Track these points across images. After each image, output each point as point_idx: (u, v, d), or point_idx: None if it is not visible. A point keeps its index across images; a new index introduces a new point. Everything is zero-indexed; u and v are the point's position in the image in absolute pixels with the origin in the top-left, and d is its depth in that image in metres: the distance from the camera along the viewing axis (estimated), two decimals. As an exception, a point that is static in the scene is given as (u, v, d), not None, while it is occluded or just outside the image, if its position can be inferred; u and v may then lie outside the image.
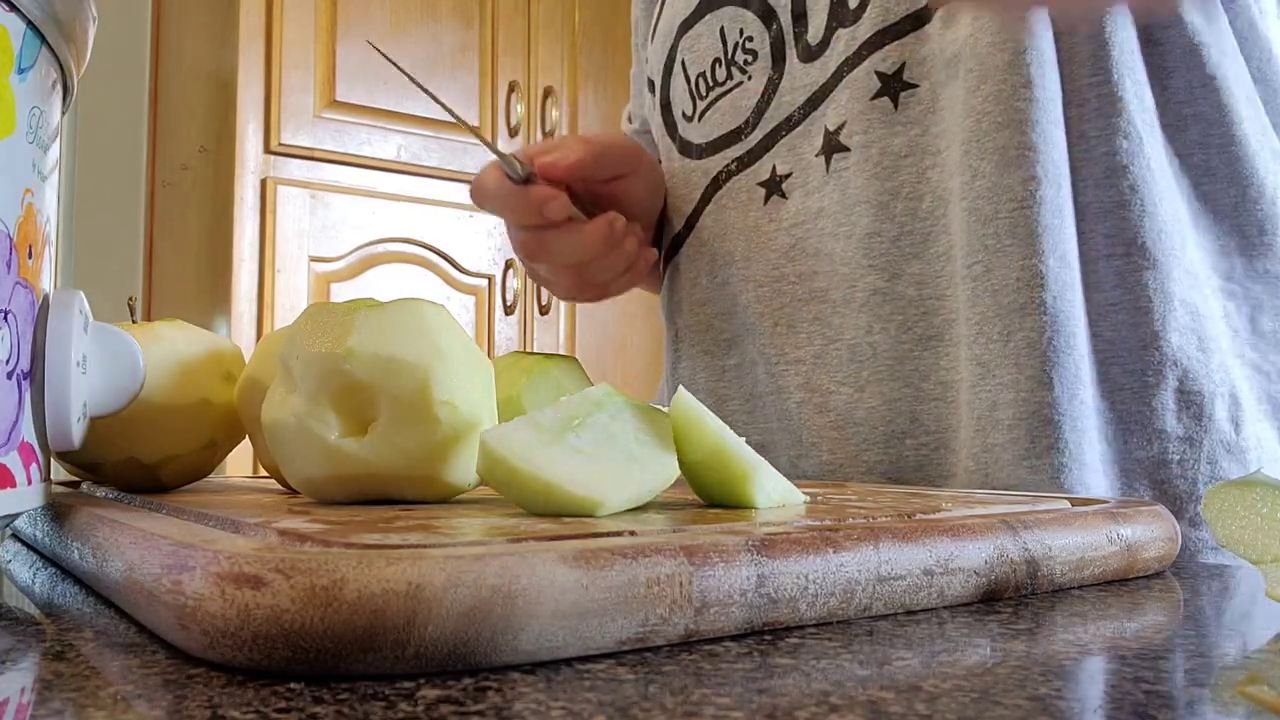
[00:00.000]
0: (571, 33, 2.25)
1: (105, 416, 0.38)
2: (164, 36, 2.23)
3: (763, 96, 0.64)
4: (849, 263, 0.60)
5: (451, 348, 0.37)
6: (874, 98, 0.58)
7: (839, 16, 0.61)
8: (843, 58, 0.60)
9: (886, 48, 0.58)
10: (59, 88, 0.35)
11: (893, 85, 0.58)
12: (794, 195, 0.63)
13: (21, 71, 0.31)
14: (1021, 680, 0.23)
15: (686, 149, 0.69)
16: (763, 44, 0.64)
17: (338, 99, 1.95)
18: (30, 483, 0.32)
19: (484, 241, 2.12)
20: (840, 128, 0.60)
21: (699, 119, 0.68)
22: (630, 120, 0.87)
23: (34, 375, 0.33)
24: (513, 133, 2.15)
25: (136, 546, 0.27)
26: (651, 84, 0.74)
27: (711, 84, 0.67)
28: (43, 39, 0.32)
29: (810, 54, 0.62)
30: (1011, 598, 0.34)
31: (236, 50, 1.87)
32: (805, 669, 0.24)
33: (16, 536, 0.46)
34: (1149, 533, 0.39)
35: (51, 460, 0.36)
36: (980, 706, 0.21)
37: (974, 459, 0.54)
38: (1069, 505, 0.41)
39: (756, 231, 0.65)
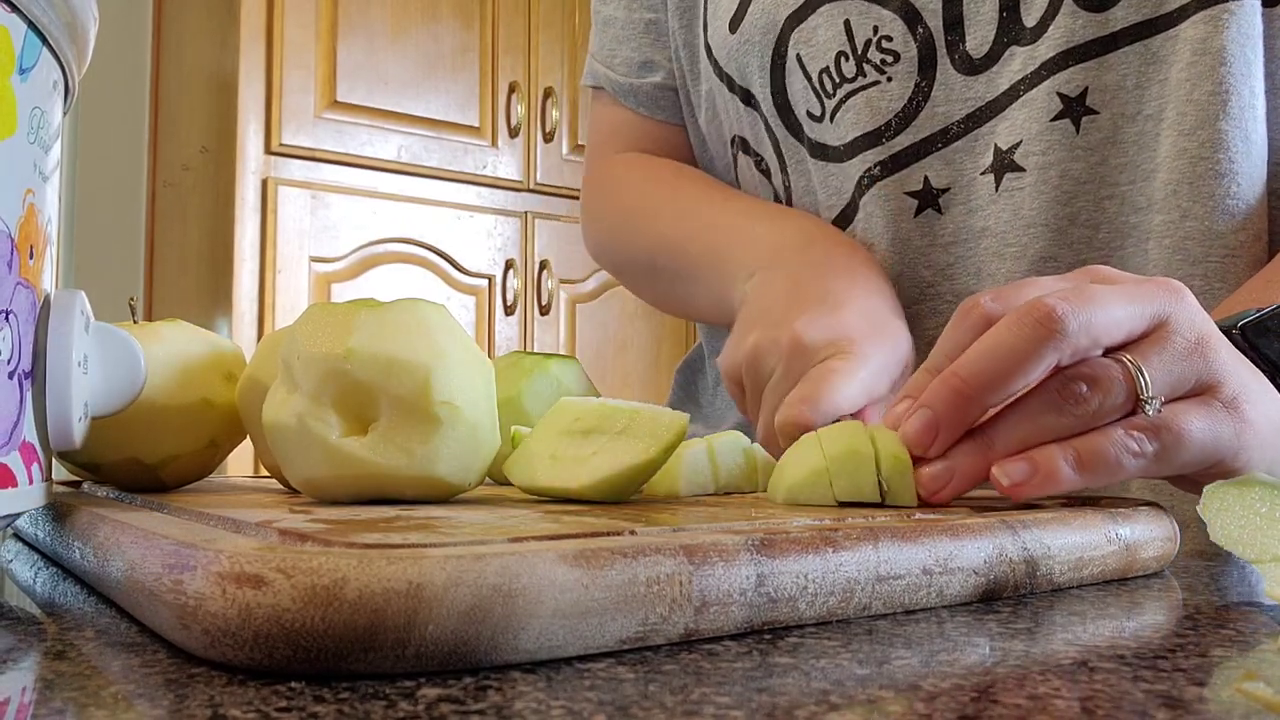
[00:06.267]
0: (571, 33, 2.25)
1: (106, 416, 0.38)
2: (165, 37, 2.23)
3: (910, 103, 0.61)
4: None
5: (451, 348, 0.37)
6: (1054, 119, 0.57)
7: (1012, 33, 0.58)
8: (1019, 76, 0.58)
9: (1070, 69, 0.57)
10: (60, 88, 0.35)
11: (1075, 108, 0.57)
12: (952, 210, 0.61)
13: (23, 72, 0.31)
14: (1021, 680, 0.23)
15: (821, 151, 0.65)
16: (906, 46, 0.61)
17: (338, 99, 1.95)
18: (31, 482, 0.32)
19: (484, 241, 2.12)
20: (1015, 147, 0.58)
21: (830, 119, 0.64)
22: (612, 69, 0.78)
23: (35, 375, 0.33)
24: (513, 133, 2.15)
25: (137, 546, 0.28)
26: (728, 78, 0.69)
27: (839, 80, 0.63)
28: (44, 39, 0.32)
29: (973, 67, 0.60)
30: (1010, 597, 0.34)
31: (237, 51, 1.87)
32: (805, 668, 0.24)
33: (18, 536, 0.46)
34: (1148, 532, 0.39)
35: (53, 460, 0.36)
36: (979, 706, 0.21)
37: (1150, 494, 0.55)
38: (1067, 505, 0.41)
39: (907, 245, 0.62)
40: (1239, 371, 0.40)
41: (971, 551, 0.33)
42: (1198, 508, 0.33)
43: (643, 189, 0.76)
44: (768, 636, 0.27)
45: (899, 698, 0.21)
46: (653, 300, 0.80)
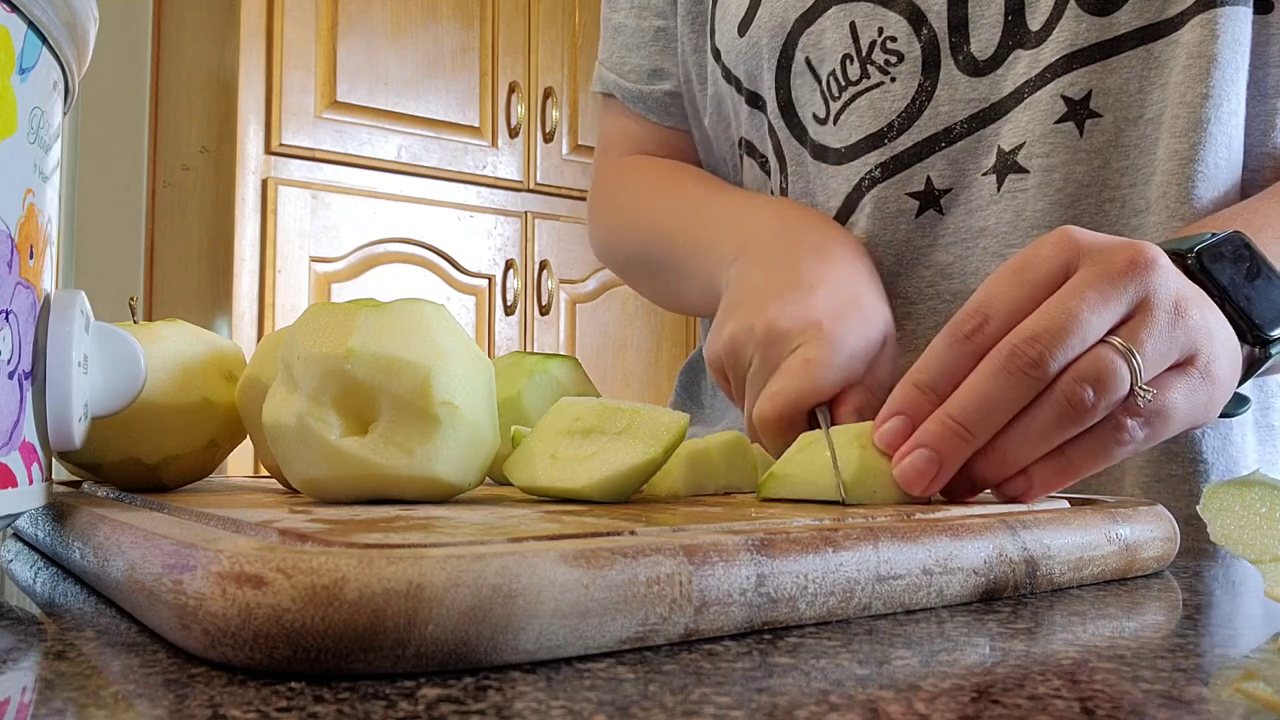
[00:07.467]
0: (571, 33, 2.25)
1: (106, 416, 0.38)
2: (165, 37, 2.23)
3: (913, 102, 0.61)
4: None
5: (451, 348, 0.37)
6: (1058, 121, 0.58)
7: (1017, 36, 0.59)
8: (1023, 79, 0.58)
9: (1074, 73, 0.57)
10: (60, 88, 0.35)
11: (1079, 111, 0.57)
12: (954, 211, 0.61)
13: (23, 72, 0.31)
14: (1020, 680, 0.23)
15: (821, 153, 0.65)
16: (910, 47, 0.61)
17: (338, 99, 1.95)
18: (32, 482, 0.32)
19: (484, 242, 2.12)
20: (1018, 148, 0.59)
21: (834, 121, 0.64)
22: (622, 76, 0.78)
23: (35, 375, 0.33)
24: (513, 133, 2.15)
25: (138, 546, 0.28)
26: (736, 80, 0.69)
27: (844, 83, 0.63)
28: (44, 39, 0.32)
29: (977, 68, 0.60)
30: (1010, 597, 0.34)
31: (237, 51, 1.87)
32: (805, 668, 0.24)
33: (18, 536, 0.46)
34: (1148, 532, 0.39)
35: (53, 460, 0.36)
36: (979, 706, 0.21)
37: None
38: (1068, 505, 0.41)
39: (908, 246, 0.62)
40: (1208, 329, 0.41)
41: (971, 551, 0.33)
42: (1198, 508, 0.33)
43: (641, 187, 0.76)
44: (768, 636, 0.27)
45: (899, 698, 0.21)
46: (652, 296, 0.81)
